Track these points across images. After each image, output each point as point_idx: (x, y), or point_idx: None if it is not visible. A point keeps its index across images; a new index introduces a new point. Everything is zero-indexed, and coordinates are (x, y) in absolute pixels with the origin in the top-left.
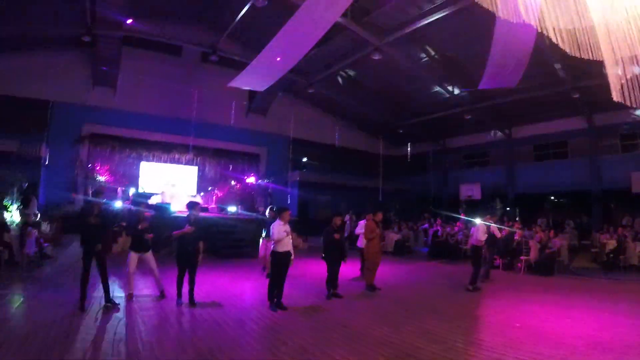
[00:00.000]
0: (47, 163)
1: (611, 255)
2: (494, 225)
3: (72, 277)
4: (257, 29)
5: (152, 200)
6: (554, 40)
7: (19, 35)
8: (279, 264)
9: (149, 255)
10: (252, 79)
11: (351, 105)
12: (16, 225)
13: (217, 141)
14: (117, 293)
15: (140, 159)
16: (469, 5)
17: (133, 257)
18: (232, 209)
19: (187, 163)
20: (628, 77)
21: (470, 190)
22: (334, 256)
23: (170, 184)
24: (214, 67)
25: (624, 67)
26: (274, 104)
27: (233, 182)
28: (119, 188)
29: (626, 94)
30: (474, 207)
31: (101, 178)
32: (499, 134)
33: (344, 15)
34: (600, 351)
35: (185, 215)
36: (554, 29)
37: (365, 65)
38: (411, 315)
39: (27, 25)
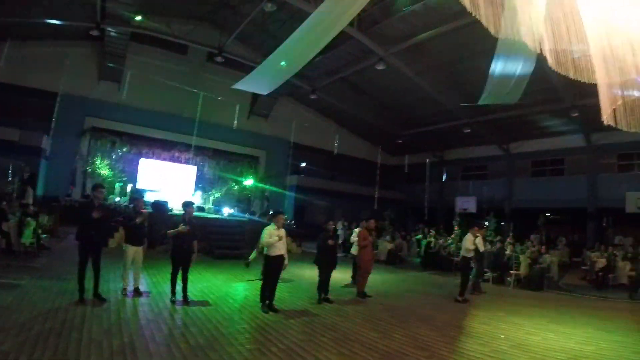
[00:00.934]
0: (47, 154)
1: (600, 273)
2: (479, 238)
3: (69, 268)
4: (264, 33)
5: (150, 197)
6: (550, 61)
7: (30, 24)
8: (271, 268)
9: (141, 250)
10: (257, 82)
11: (352, 113)
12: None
13: (218, 141)
14: (112, 287)
15: (140, 156)
16: (472, 22)
17: (130, 251)
18: (228, 210)
19: (187, 162)
20: (619, 102)
21: (466, 203)
22: (327, 262)
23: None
24: (218, 67)
25: (617, 91)
26: (276, 107)
27: (231, 184)
28: (116, 184)
29: (618, 117)
30: (468, 221)
31: (101, 172)
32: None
33: (351, 24)
34: None
35: (180, 213)
36: (550, 50)
37: (369, 74)
38: (400, 322)
39: (39, 15)
